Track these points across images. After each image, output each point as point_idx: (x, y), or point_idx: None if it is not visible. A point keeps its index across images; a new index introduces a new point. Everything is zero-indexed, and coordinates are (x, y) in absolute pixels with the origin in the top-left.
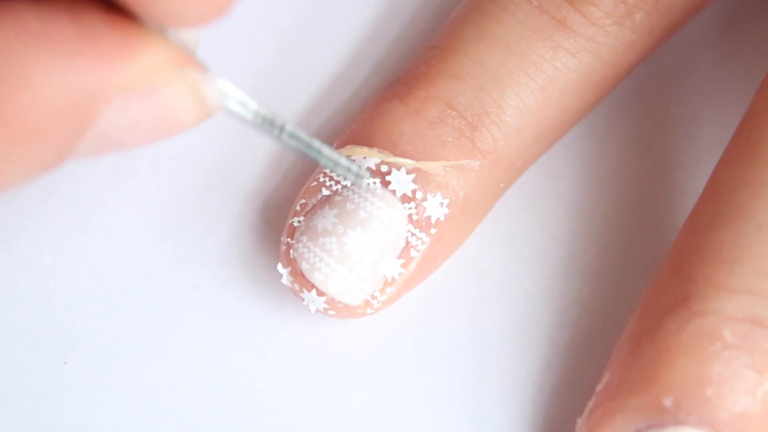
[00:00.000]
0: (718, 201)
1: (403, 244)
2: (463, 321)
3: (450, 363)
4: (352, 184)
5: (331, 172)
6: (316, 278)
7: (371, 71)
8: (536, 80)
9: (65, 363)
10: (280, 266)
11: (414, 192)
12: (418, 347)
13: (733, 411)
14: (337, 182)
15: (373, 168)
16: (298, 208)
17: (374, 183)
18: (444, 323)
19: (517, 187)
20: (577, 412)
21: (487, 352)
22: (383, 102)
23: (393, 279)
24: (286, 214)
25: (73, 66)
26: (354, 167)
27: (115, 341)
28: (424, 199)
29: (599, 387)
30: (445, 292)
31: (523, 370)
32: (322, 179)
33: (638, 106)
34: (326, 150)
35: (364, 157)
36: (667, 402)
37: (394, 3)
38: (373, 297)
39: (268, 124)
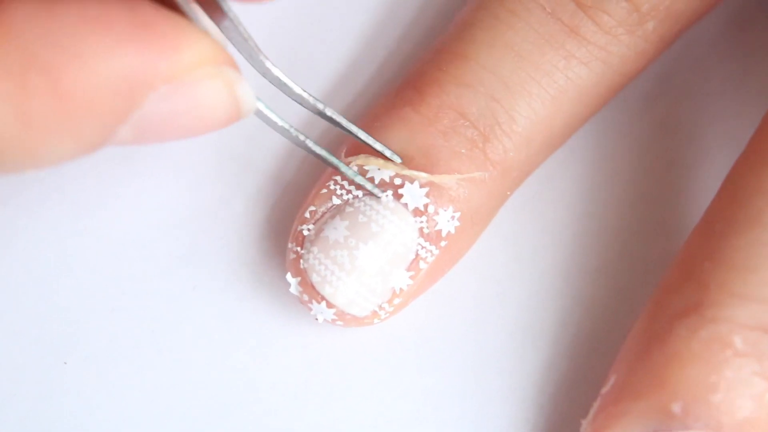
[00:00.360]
0: (734, 207)
1: (413, 256)
2: (464, 322)
3: (451, 364)
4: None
5: (345, 179)
6: (326, 291)
7: (375, 72)
8: (548, 90)
9: (65, 363)
10: (289, 275)
11: (426, 206)
12: (419, 348)
13: (740, 418)
14: (348, 191)
15: (387, 180)
16: (307, 215)
17: (387, 195)
18: (445, 324)
19: (519, 188)
20: (579, 413)
21: (489, 353)
22: (395, 108)
23: (401, 290)
24: (287, 214)
25: (126, 51)
26: (388, 152)
27: (115, 341)
28: (436, 213)
29: (605, 389)
30: (446, 293)
31: (524, 371)
32: (332, 187)
33: (639, 106)
34: (362, 134)
35: (379, 169)
36: (675, 407)
37: (397, 2)
38: (381, 308)
39: (294, 131)
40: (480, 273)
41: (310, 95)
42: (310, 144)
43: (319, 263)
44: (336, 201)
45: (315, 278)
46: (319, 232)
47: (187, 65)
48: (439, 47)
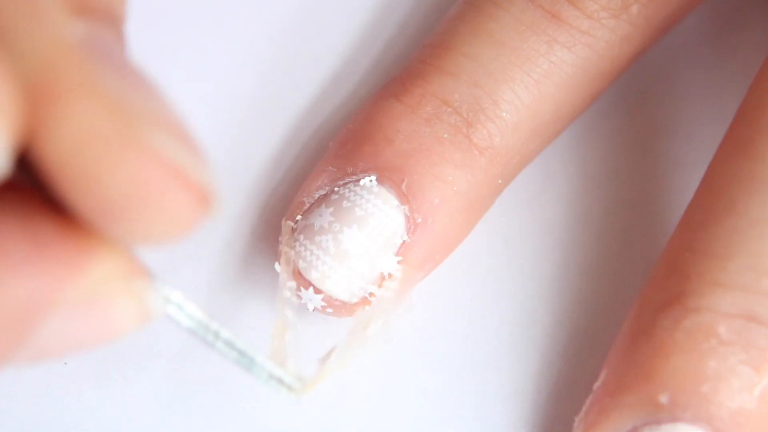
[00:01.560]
0: (711, 197)
1: (400, 241)
2: (463, 321)
3: (449, 363)
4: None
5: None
6: (313, 276)
7: (368, 70)
8: (531, 75)
9: (65, 363)
10: (277, 264)
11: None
12: (417, 347)
13: (729, 407)
14: (335, 181)
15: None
16: (296, 208)
17: (370, 181)
18: (443, 323)
19: (517, 187)
20: (576, 411)
21: (487, 352)
22: (380, 100)
23: (390, 276)
24: (284, 214)
25: (22, 277)
26: (288, 379)
27: (114, 341)
28: None
29: (596, 385)
30: (444, 292)
31: (522, 369)
32: (321, 179)
33: (637, 105)
34: (259, 359)
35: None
36: (663, 398)
37: (391, 2)
38: (371, 294)
39: (204, 329)
40: (479, 272)
41: (206, 319)
42: (220, 346)
43: (304, 249)
44: (322, 192)
45: (301, 264)
46: (305, 221)
47: (92, 285)
48: (425, 42)
